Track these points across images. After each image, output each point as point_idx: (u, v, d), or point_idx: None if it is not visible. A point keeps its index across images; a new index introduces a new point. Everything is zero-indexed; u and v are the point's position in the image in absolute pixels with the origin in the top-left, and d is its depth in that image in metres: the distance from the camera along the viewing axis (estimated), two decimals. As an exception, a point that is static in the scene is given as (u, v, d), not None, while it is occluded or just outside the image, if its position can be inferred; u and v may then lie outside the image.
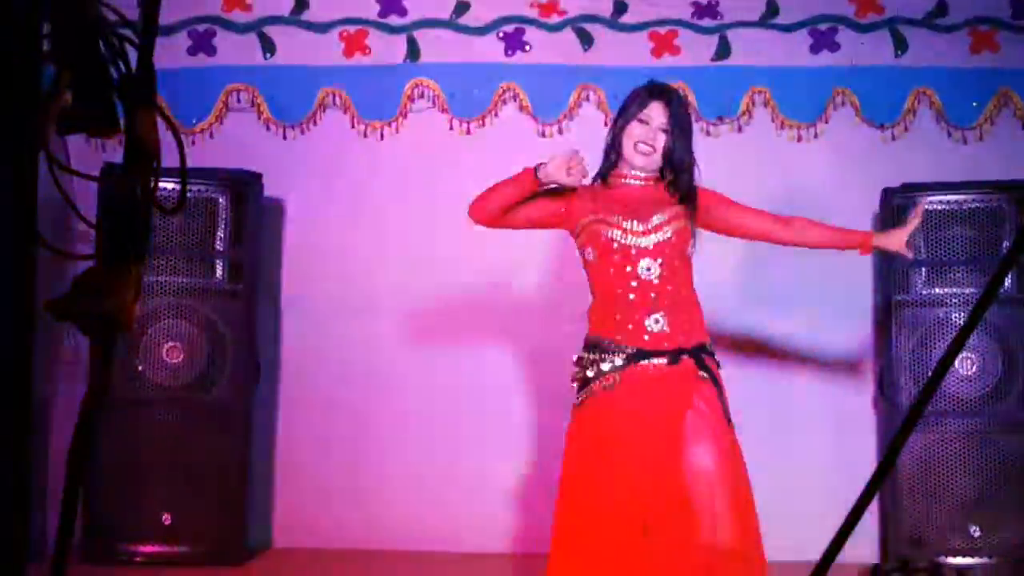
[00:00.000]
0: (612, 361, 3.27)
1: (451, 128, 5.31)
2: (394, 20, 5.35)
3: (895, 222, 4.68)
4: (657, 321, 3.28)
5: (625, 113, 3.41)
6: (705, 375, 3.30)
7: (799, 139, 5.23)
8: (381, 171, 5.31)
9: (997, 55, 5.18)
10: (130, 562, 4.70)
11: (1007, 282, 4.60)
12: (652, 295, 3.29)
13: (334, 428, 5.20)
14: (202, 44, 5.33)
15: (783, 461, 4.88)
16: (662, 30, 5.29)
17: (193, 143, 5.22)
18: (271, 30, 5.34)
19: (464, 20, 5.34)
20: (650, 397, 3.25)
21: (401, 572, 4.81)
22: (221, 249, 4.89)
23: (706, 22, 5.29)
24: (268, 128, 5.32)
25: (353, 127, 5.32)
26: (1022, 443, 4.62)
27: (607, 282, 3.34)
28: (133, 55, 1.47)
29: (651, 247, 3.31)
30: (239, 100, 5.33)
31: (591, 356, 3.32)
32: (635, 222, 3.32)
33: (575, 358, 3.37)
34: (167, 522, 4.73)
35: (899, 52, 5.22)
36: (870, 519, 4.78)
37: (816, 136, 5.23)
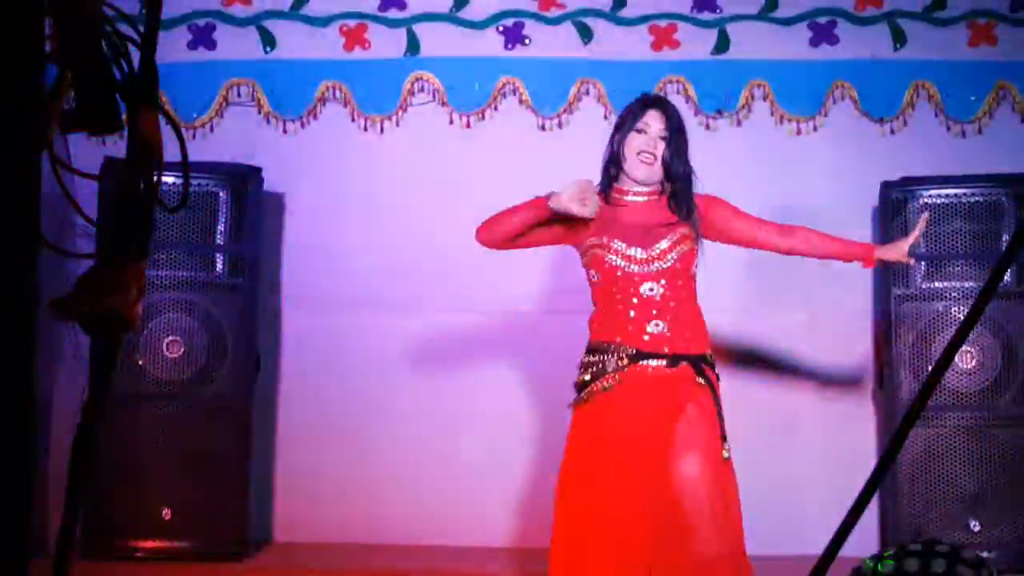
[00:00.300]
0: (612, 362, 3.27)
1: (451, 122, 5.31)
2: (394, 14, 5.35)
3: (894, 216, 4.70)
4: (657, 325, 3.29)
5: (623, 127, 3.41)
6: (703, 382, 3.29)
7: (798, 132, 5.23)
8: (381, 165, 5.31)
9: (996, 48, 5.18)
10: (130, 557, 4.69)
11: (1007, 276, 4.60)
12: (654, 311, 3.30)
13: (334, 422, 5.19)
14: (202, 38, 5.33)
15: (783, 457, 4.90)
16: (662, 23, 5.29)
17: (193, 137, 5.24)
18: (271, 24, 5.34)
19: (464, 14, 5.34)
20: (647, 401, 3.25)
21: (401, 566, 4.81)
22: (221, 243, 4.88)
23: (705, 15, 5.29)
24: (268, 122, 5.32)
25: (353, 121, 5.32)
26: (1021, 437, 4.62)
27: (609, 300, 3.35)
28: (135, 54, 1.47)
29: (653, 272, 3.31)
30: (239, 94, 5.33)
31: (592, 359, 3.33)
32: (638, 250, 3.32)
33: (578, 363, 3.37)
34: (167, 517, 4.72)
35: (898, 46, 5.22)
36: (870, 513, 4.79)
37: (815, 130, 5.23)
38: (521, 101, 5.29)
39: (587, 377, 3.31)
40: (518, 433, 5.12)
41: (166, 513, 4.73)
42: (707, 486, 3.19)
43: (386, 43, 5.34)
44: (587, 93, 5.27)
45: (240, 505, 4.84)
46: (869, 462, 4.74)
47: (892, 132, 5.20)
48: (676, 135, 3.37)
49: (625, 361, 3.27)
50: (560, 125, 5.26)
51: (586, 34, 5.30)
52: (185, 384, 4.81)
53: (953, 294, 4.68)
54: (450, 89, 5.30)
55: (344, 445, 5.18)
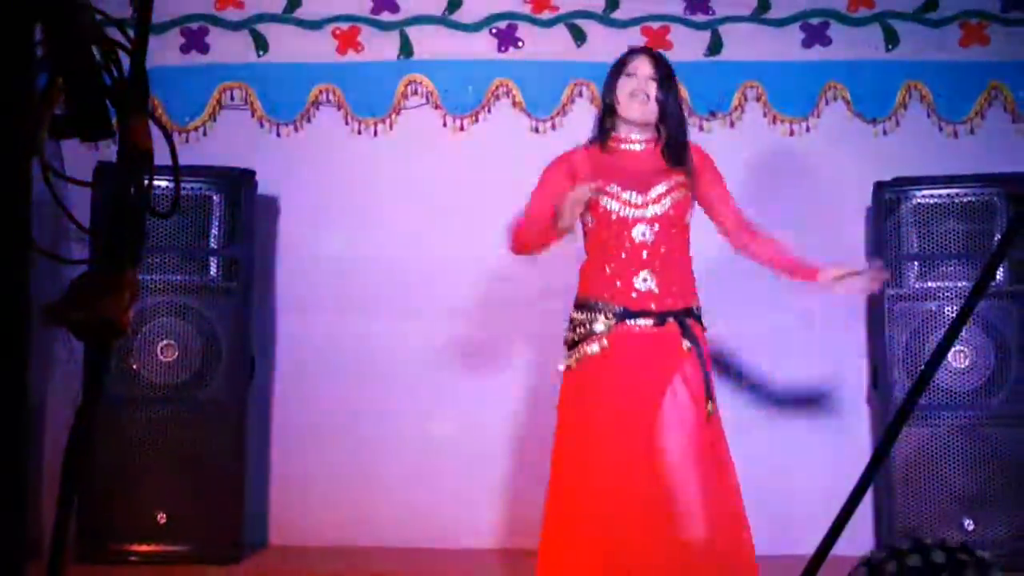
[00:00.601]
0: (600, 321, 3.28)
1: (444, 125, 5.32)
2: (387, 17, 5.35)
3: (887, 216, 4.72)
4: (645, 280, 3.31)
5: (612, 76, 3.46)
6: (689, 345, 3.30)
7: (791, 133, 5.24)
8: (375, 168, 5.31)
9: (987, 48, 5.19)
10: (125, 561, 4.69)
11: (998, 275, 4.61)
12: (644, 253, 3.32)
13: (328, 425, 5.19)
14: (195, 42, 5.33)
15: (777, 455, 4.89)
16: (654, 25, 5.30)
17: (186, 141, 5.23)
18: (264, 27, 5.34)
19: (457, 17, 5.35)
20: (633, 372, 3.26)
21: (396, 568, 4.82)
22: (215, 247, 4.89)
23: (698, 17, 5.30)
24: (262, 126, 5.32)
25: (347, 124, 5.33)
26: (1015, 436, 4.63)
27: (601, 244, 3.38)
28: (125, 60, 1.48)
29: (648, 217, 3.33)
30: (232, 98, 5.33)
31: (580, 316, 3.35)
32: (634, 193, 3.35)
33: (566, 320, 3.39)
34: (162, 521, 4.72)
35: (890, 46, 5.24)
36: (865, 512, 4.79)
37: (808, 130, 5.24)
38: (514, 103, 5.29)
39: (575, 337, 3.34)
40: (513, 436, 5.12)
41: (161, 517, 4.72)
42: (696, 476, 3.20)
43: (379, 46, 5.34)
44: (580, 95, 5.27)
45: (235, 509, 4.84)
46: (863, 461, 4.74)
47: (885, 132, 5.22)
48: (666, 80, 3.41)
49: (612, 321, 3.28)
50: (554, 127, 5.26)
51: (579, 36, 5.31)
52: (179, 388, 4.81)
53: (946, 294, 4.69)
54: (443, 92, 5.30)
55: (339, 448, 5.18)
